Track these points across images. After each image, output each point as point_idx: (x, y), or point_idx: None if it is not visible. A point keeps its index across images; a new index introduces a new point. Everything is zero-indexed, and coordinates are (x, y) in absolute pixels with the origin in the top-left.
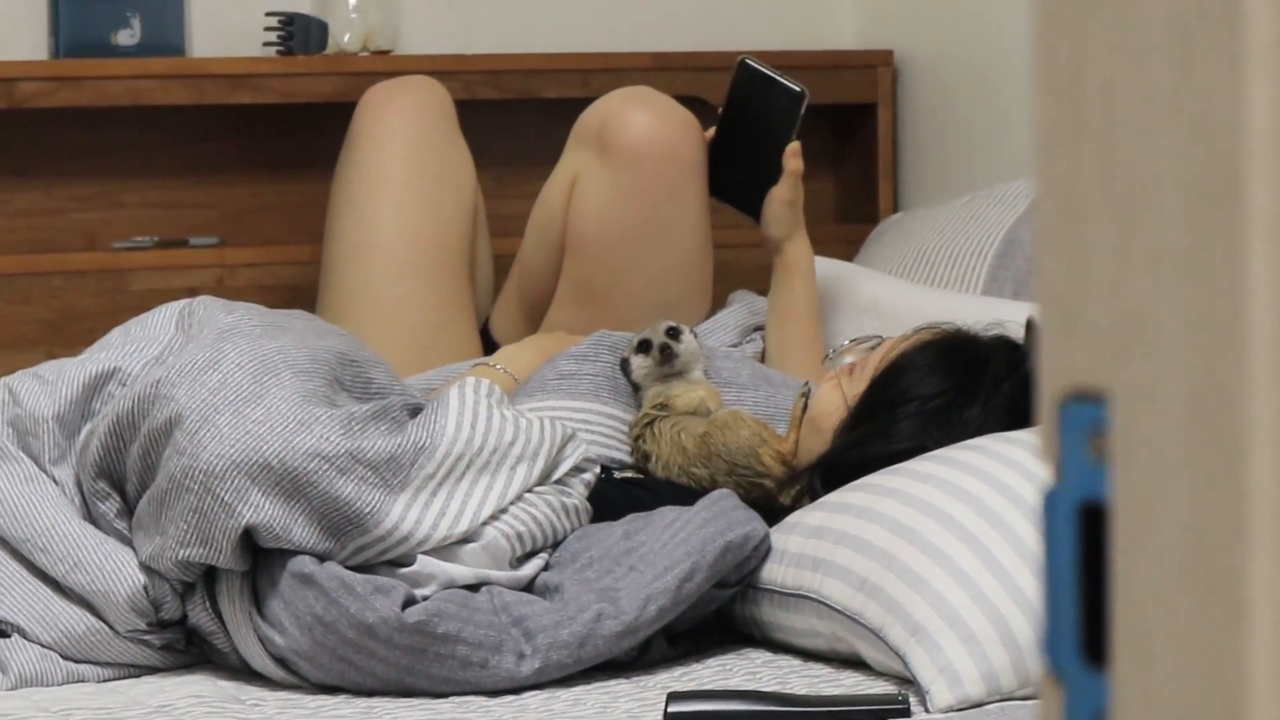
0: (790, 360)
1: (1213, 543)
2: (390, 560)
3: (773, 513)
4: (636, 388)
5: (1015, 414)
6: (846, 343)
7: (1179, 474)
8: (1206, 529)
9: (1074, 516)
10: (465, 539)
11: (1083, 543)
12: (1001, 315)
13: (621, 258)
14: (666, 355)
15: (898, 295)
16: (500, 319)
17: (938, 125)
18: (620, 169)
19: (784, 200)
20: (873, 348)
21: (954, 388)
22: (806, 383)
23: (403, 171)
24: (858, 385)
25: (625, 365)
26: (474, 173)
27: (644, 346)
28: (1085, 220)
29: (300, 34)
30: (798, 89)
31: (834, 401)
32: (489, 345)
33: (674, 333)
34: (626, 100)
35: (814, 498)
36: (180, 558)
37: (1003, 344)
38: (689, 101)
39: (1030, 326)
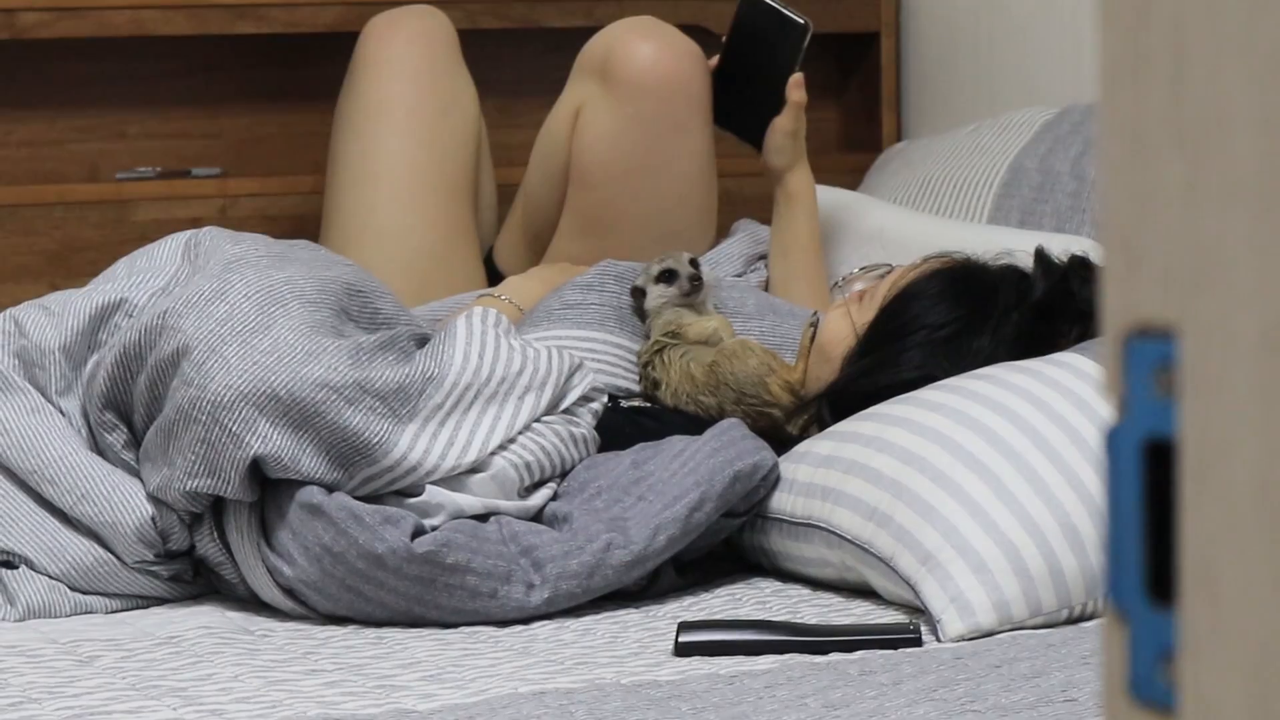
0: (794, 290)
1: None
2: (399, 490)
3: (781, 442)
4: (643, 316)
5: (1024, 343)
6: (856, 270)
7: (1251, 410)
8: (1279, 465)
9: (1139, 453)
10: (473, 469)
11: (1147, 480)
12: (1008, 244)
13: (626, 188)
14: (695, 286)
15: (902, 224)
16: (504, 249)
17: (941, 54)
18: (624, 99)
19: (786, 131)
20: (882, 276)
21: (962, 317)
22: (815, 312)
23: (405, 101)
24: (866, 313)
25: (640, 293)
26: (477, 102)
27: (667, 277)
28: (1152, 154)
29: None
30: (802, 21)
31: (843, 329)
32: (493, 275)
33: (695, 265)
34: (630, 30)
35: (822, 427)
36: (188, 488)
37: (1012, 273)
38: (692, 31)
39: (1040, 256)
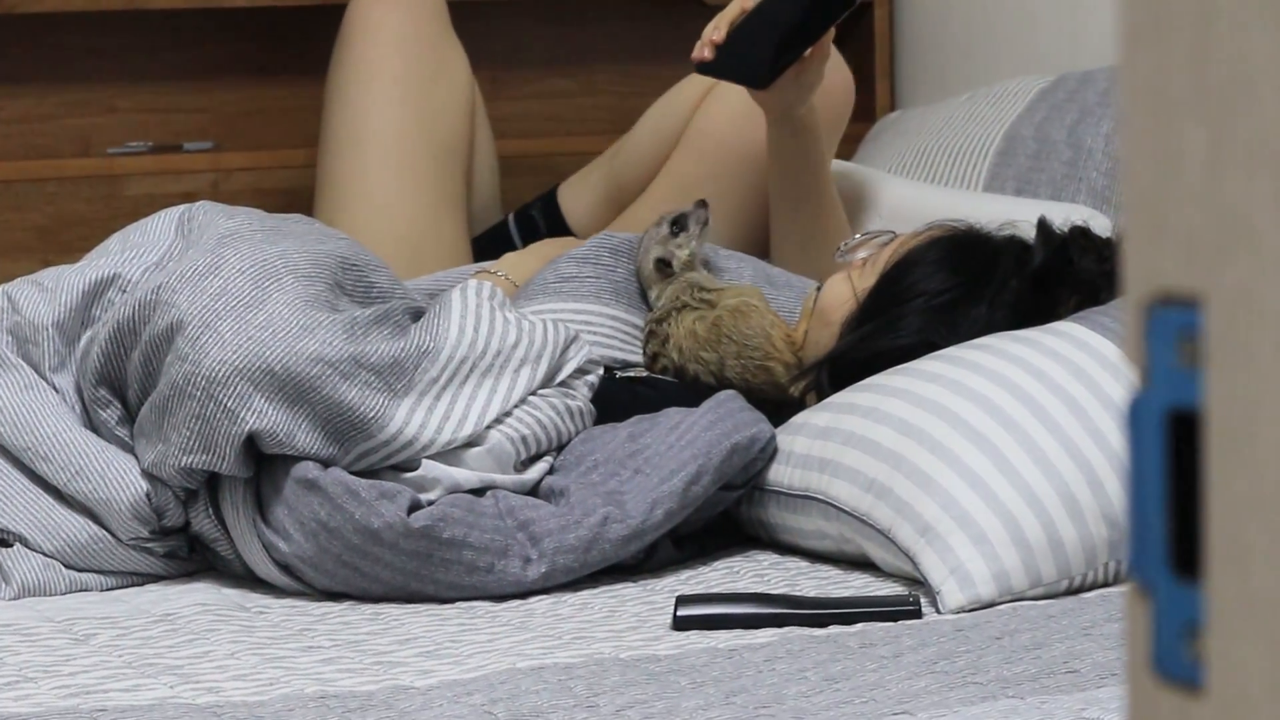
0: (835, 227)
1: None
2: (394, 465)
3: (779, 406)
4: (645, 291)
5: (1021, 313)
6: (858, 237)
7: (1278, 379)
8: None
9: (1162, 423)
10: (469, 443)
11: (1171, 451)
12: (1003, 213)
13: (735, 171)
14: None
15: (898, 194)
16: (576, 194)
17: (935, 22)
18: None
19: (810, 85)
20: (885, 243)
21: (961, 284)
22: (818, 284)
23: (392, 67)
24: (868, 279)
25: (665, 264)
26: (468, 71)
27: (680, 222)
28: (1174, 119)
29: None
30: None
31: (843, 294)
32: (555, 220)
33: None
34: None
35: (821, 396)
36: (183, 464)
37: (1014, 244)
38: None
39: (1041, 225)
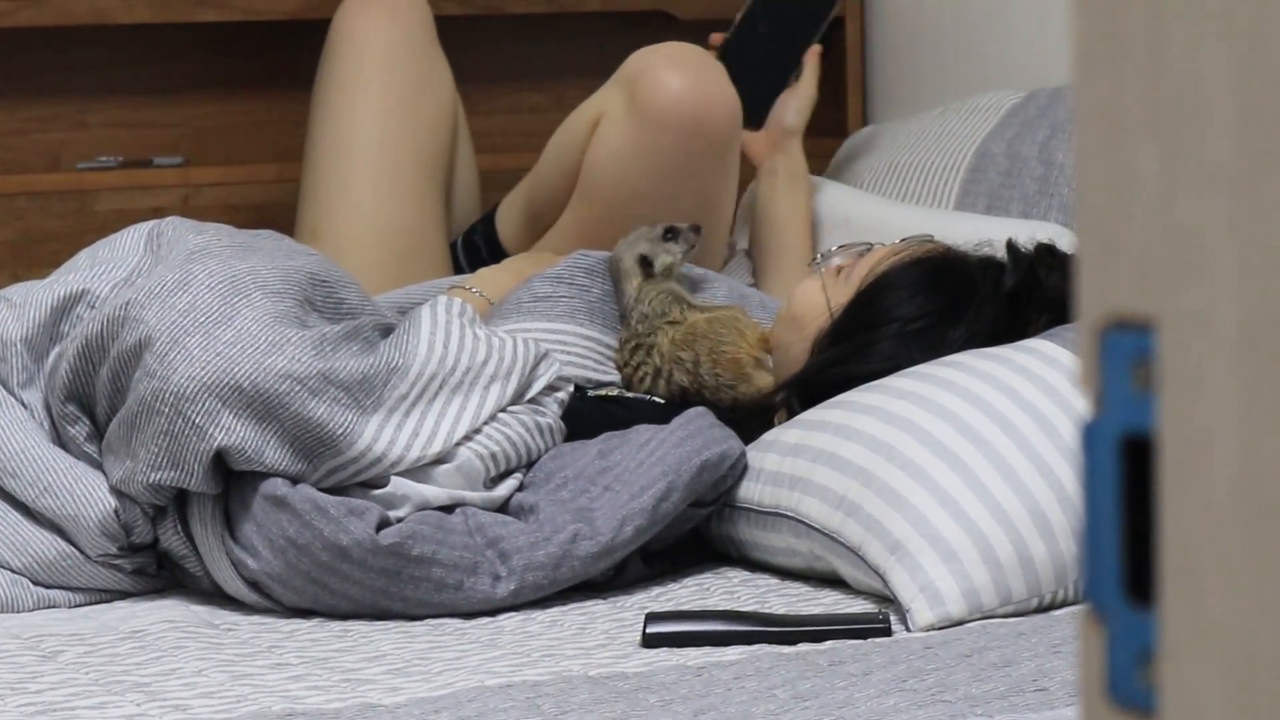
0: (786, 269)
1: (1268, 474)
2: (363, 482)
3: (750, 421)
4: (648, 272)
5: (996, 334)
6: (834, 248)
7: (1232, 404)
8: (1261, 460)
9: (1116, 449)
10: (439, 460)
11: (1125, 476)
12: (974, 230)
13: (627, 213)
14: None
15: (869, 210)
16: (507, 216)
17: (907, 38)
18: (641, 126)
19: (809, 97)
20: (862, 254)
21: (937, 310)
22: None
23: (381, 77)
24: (842, 292)
25: (646, 261)
26: (453, 85)
27: (672, 235)
28: (1128, 142)
29: None
30: None
31: (818, 303)
32: (494, 239)
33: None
34: (668, 59)
35: (790, 413)
36: (151, 481)
37: (989, 266)
38: (656, 15)
39: (1011, 247)
